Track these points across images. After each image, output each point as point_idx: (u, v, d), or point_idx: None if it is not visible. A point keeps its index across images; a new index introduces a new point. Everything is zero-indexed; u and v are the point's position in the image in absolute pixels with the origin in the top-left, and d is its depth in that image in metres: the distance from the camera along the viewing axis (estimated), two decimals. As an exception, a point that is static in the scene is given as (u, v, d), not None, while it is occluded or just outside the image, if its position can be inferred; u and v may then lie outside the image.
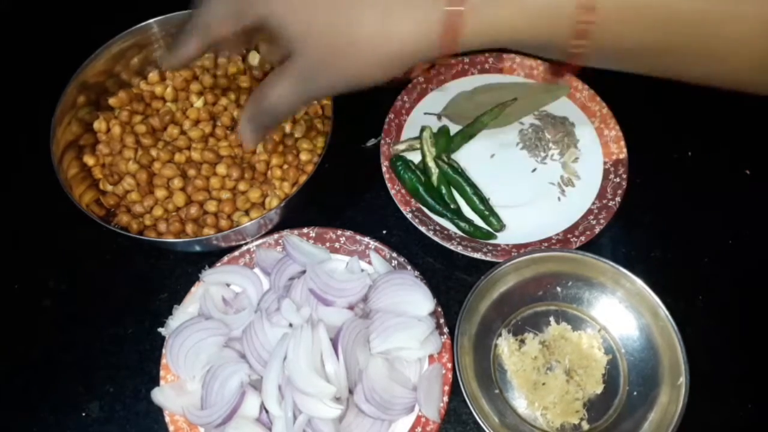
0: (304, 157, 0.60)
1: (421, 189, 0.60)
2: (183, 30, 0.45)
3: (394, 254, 0.56)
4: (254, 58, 0.65)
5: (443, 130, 0.64)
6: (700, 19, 0.36)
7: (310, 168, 0.60)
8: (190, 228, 0.57)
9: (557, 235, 0.59)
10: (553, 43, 0.39)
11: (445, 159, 0.62)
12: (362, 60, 0.39)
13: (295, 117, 0.61)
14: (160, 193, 0.58)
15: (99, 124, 0.61)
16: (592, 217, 0.60)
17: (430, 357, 0.52)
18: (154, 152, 0.59)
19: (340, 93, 0.43)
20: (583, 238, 0.58)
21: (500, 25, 0.38)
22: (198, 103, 0.62)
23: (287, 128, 0.61)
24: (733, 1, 0.36)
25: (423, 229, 0.58)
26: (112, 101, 0.62)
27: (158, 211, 0.57)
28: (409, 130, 0.65)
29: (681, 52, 0.38)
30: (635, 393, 0.51)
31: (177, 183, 0.58)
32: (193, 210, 0.57)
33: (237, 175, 0.58)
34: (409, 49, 0.39)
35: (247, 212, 0.58)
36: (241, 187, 0.58)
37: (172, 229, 0.56)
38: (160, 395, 0.50)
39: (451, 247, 0.57)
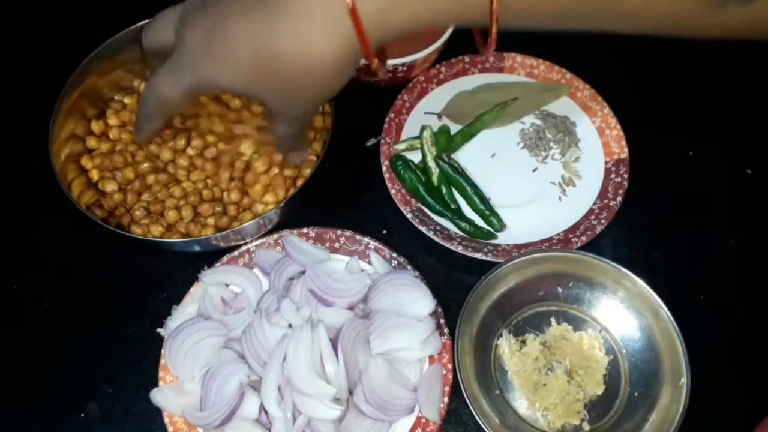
0: (304, 156, 0.60)
1: (421, 189, 0.60)
2: (143, 110, 0.48)
3: (394, 254, 0.56)
4: None
5: (443, 130, 0.64)
6: None
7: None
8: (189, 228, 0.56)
9: (558, 235, 0.59)
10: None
11: (446, 158, 0.62)
12: (295, 76, 0.40)
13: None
14: (158, 194, 0.57)
15: (98, 125, 0.60)
16: (593, 217, 0.60)
17: (431, 357, 0.52)
18: (154, 150, 0.59)
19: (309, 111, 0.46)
20: (584, 238, 0.57)
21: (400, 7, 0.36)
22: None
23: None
24: None
25: (423, 229, 0.57)
26: (115, 107, 0.62)
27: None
28: (409, 129, 0.65)
29: (594, 17, 0.37)
30: (636, 394, 0.51)
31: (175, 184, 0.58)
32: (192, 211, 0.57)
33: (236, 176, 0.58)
34: (329, 57, 0.38)
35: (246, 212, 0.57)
36: (243, 185, 0.58)
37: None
38: (159, 396, 0.50)
39: (452, 247, 0.56)
